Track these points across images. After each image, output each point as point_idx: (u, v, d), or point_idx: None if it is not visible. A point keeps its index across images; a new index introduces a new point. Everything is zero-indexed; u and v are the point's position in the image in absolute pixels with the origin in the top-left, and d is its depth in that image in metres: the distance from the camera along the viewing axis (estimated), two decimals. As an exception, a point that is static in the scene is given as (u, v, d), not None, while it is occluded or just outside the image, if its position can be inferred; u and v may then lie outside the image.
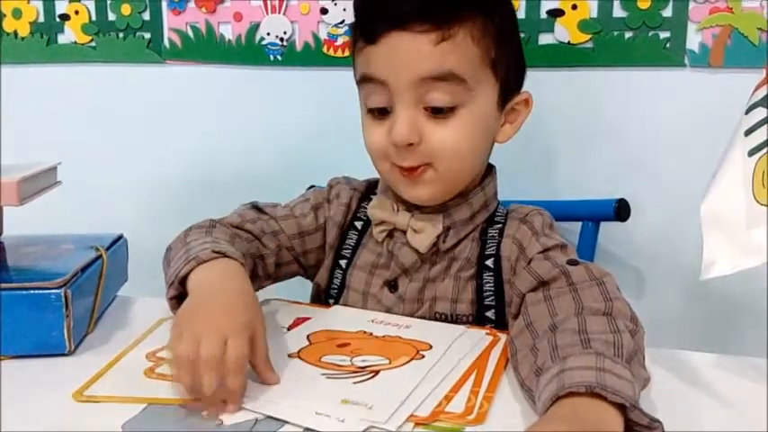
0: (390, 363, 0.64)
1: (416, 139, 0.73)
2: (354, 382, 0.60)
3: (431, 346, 0.68)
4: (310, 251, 0.86)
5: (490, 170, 0.83)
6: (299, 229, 0.85)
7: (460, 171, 0.77)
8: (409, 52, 0.72)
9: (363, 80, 0.77)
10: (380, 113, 0.76)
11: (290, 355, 0.66)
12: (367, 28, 0.75)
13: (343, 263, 0.85)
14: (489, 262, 0.78)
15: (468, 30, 0.72)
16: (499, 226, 0.80)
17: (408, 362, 0.65)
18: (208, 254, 0.69)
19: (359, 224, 0.85)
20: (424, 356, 0.66)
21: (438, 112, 0.73)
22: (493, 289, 0.78)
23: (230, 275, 0.68)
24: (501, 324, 0.77)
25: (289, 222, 0.85)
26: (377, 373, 0.62)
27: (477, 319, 0.78)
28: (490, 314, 0.78)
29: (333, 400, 0.57)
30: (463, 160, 0.76)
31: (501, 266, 0.78)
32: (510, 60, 0.78)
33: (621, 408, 0.50)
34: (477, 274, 0.79)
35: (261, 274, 0.82)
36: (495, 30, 0.75)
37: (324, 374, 0.62)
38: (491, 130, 0.79)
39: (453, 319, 0.78)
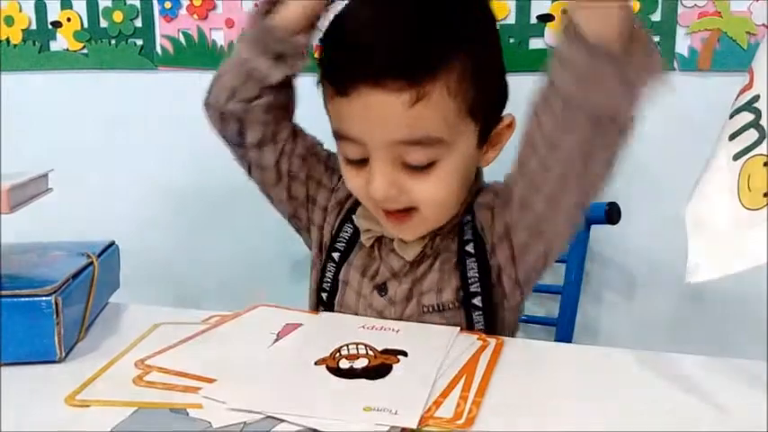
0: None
1: (394, 193, 0.72)
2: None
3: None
4: (312, 176, 0.86)
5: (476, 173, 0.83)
6: (313, 148, 0.86)
7: (446, 214, 0.78)
8: (383, 114, 0.69)
9: (338, 136, 0.75)
10: (358, 162, 0.74)
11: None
12: (337, 78, 0.71)
13: (335, 256, 0.84)
14: (469, 247, 0.79)
15: (443, 83, 0.68)
16: (469, 214, 0.80)
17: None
18: None
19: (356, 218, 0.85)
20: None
21: (416, 168, 0.72)
22: (477, 276, 0.78)
23: None
24: (488, 311, 0.77)
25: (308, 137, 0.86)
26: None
27: (465, 306, 0.78)
28: (477, 301, 0.78)
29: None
30: (448, 207, 0.77)
31: (483, 245, 0.78)
32: (489, 95, 0.74)
33: None
34: (459, 262, 0.79)
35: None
36: (472, 72, 0.70)
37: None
38: (473, 166, 0.78)
39: (440, 308, 0.79)
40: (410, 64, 0.67)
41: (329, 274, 0.85)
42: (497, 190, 0.79)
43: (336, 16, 0.75)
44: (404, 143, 0.70)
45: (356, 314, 0.83)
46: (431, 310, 0.79)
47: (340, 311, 0.85)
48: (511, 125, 0.78)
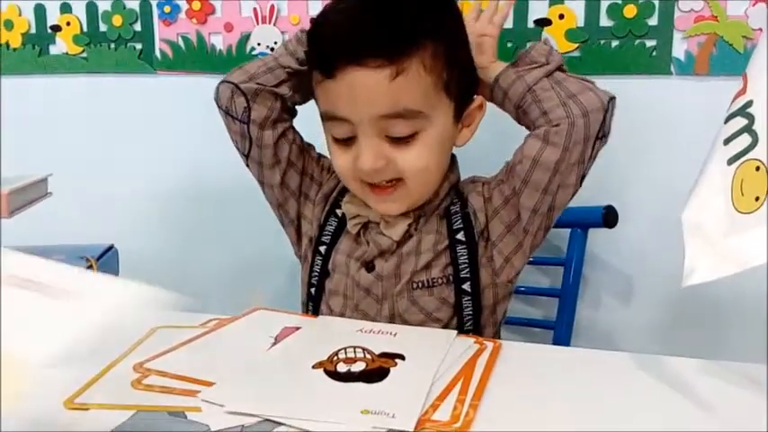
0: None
1: (382, 164, 0.79)
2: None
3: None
4: (307, 171, 0.91)
5: (452, 161, 0.88)
6: (308, 145, 0.92)
7: (429, 184, 0.84)
8: (367, 90, 0.76)
9: (326, 117, 0.82)
10: (346, 141, 0.81)
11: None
12: (324, 62, 0.79)
13: (322, 249, 0.88)
14: (460, 235, 0.84)
15: (419, 60, 0.76)
16: (458, 204, 0.86)
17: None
18: None
19: (339, 212, 0.89)
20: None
21: (400, 140, 0.79)
22: (467, 262, 0.83)
23: None
24: (476, 294, 0.82)
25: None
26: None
27: (455, 286, 0.83)
28: (466, 287, 0.83)
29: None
30: (431, 176, 0.83)
31: (472, 232, 0.83)
32: (461, 76, 0.81)
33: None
34: (450, 247, 0.84)
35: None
36: (444, 52, 0.78)
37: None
38: (451, 141, 0.85)
39: (430, 284, 0.83)
40: (387, 43, 0.75)
41: (317, 267, 0.88)
42: (486, 180, 0.87)
43: (318, 15, 0.83)
44: (387, 116, 0.77)
45: (344, 296, 0.86)
46: (420, 286, 0.83)
47: (329, 298, 0.87)
48: (481, 106, 0.86)
